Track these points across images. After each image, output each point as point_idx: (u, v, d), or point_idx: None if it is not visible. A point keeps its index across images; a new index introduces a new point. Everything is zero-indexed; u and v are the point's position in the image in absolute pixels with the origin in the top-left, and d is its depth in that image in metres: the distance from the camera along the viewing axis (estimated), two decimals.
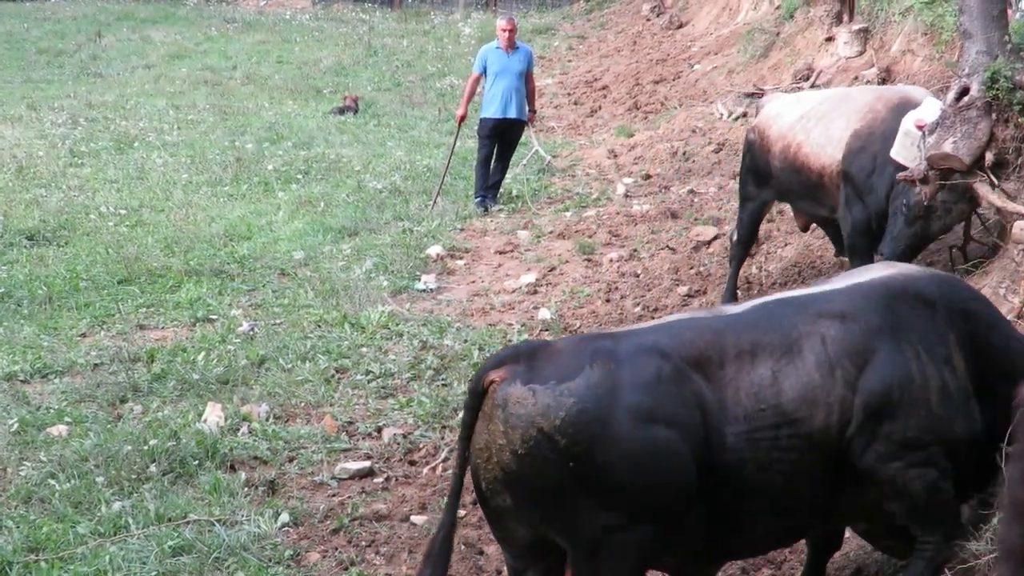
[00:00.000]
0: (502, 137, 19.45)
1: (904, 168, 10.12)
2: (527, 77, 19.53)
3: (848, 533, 7.72)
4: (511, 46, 19.43)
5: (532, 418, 6.11)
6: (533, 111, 20.18)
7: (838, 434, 6.38)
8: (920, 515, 6.60)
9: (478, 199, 19.21)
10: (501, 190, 19.61)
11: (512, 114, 19.31)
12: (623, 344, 6.39)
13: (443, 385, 11.92)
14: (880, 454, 6.43)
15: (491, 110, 19.31)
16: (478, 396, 6.37)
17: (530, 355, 6.39)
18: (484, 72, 19.39)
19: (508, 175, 19.98)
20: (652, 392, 6.16)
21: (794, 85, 21.83)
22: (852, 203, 11.23)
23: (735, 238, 13.39)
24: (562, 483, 6.15)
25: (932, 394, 6.46)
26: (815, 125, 11.94)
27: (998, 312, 7.21)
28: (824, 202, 11.86)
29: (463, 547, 8.77)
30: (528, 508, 6.41)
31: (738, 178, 13.71)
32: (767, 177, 12.62)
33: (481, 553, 8.73)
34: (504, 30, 19.25)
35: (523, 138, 20.35)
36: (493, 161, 19.41)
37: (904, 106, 11.03)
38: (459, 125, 19.93)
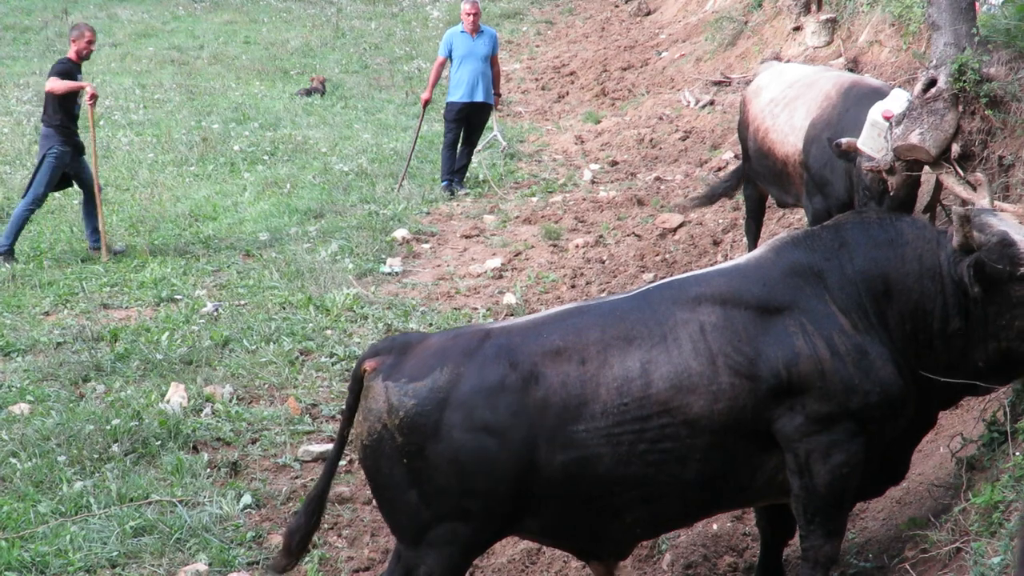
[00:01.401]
0: (468, 121, 19.46)
1: (871, 158, 10.14)
2: (492, 61, 19.50)
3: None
4: (476, 30, 19.39)
5: (380, 414, 6.41)
6: (498, 95, 20.10)
7: (729, 419, 6.36)
8: (813, 501, 6.56)
9: (444, 183, 19.19)
10: (467, 174, 19.60)
11: (479, 97, 19.30)
12: (484, 346, 6.53)
13: None
14: (785, 435, 6.45)
15: (458, 94, 19.31)
16: (357, 382, 6.66)
17: (402, 349, 6.64)
18: (450, 56, 19.37)
19: (473, 159, 19.91)
20: (488, 401, 6.32)
21: None
22: (812, 193, 11.22)
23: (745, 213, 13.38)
24: (395, 477, 6.43)
25: (825, 364, 6.41)
26: (781, 111, 11.93)
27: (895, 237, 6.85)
28: (790, 190, 11.85)
29: None
30: (373, 494, 6.80)
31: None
32: (746, 154, 12.60)
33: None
34: (468, 14, 19.21)
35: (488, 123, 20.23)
36: (459, 145, 19.40)
37: (853, 92, 11.06)
38: (424, 108, 19.89)
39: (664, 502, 6.54)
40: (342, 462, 10.07)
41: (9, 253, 15.36)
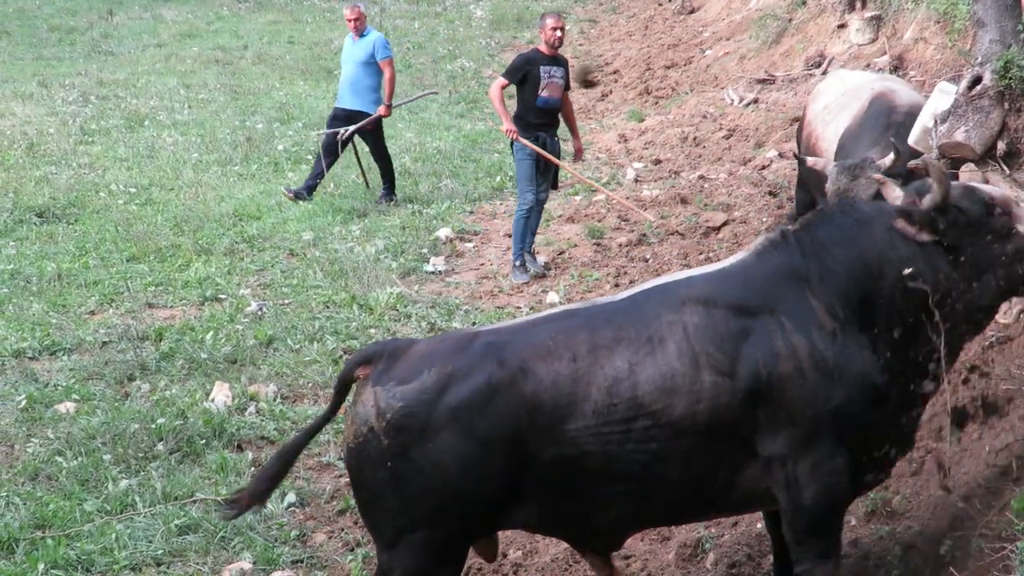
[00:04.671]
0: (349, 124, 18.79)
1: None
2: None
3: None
4: (358, 33, 19.06)
5: (367, 417, 6.38)
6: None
7: (711, 420, 6.30)
8: (802, 516, 6.50)
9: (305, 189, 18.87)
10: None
11: (346, 104, 18.93)
12: (472, 345, 6.51)
13: None
14: (770, 448, 6.40)
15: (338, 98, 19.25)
16: (343, 384, 6.75)
17: (391, 354, 6.60)
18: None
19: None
20: (474, 400, 6.29)
21: (805, 72, 21.81)
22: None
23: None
24: (379, 481, 6.40)
25: (804, 363, 6.33)
26: (832, 119, 11.89)
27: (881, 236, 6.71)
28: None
29: None
30: (355, 497, 6.79)
31: None
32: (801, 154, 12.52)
33: (504, 555, 8.69)
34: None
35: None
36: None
37: (874, 105, 11.10)
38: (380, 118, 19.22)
39: (650, 501, 6.53)
40: None
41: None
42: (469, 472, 6.27)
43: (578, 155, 15.91)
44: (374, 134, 18.88)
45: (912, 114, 10.89)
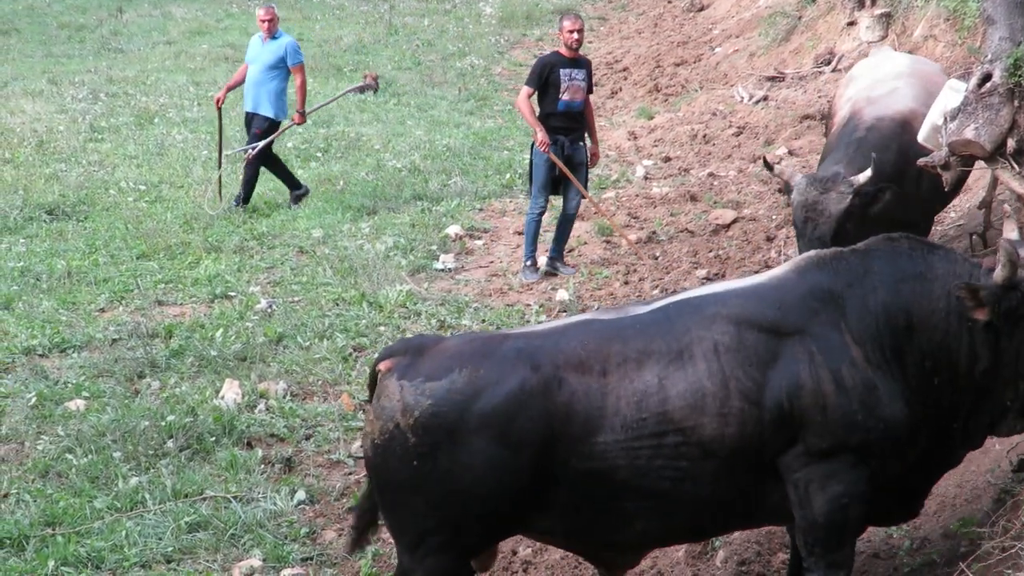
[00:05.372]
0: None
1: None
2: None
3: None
4: (270, 35, 18.38)
5: (393, 413, 6.31)
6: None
7: (738, 445, 6.28)
8: (813, 531, 6.46)
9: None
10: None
11: (248, 107, 18.41)
12: (503, 348, 6.46)
13: None
14: (785, 464, 6.37)
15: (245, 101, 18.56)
16: (372, 380, 6.65)
17: (417, 350, 6.55)
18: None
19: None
20: (508, 406, 6.23)
21: (815, 70, 21.81)
22: None
23: None
24: (404, 480, 6.34)
25: (827, 399, 6.27)
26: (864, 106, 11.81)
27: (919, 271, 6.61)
28: None
29: None
30: (377, 496, 6.69)
31: None
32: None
33: (514, 553, 8.70)
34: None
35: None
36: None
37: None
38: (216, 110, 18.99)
39: (675, 517, 6.50)
40: None
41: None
42: (498, 477, 6.23)
43: (593, 159, 15.53)
44: (265, 138, 18.21)
45: (875, 128, 10.91)
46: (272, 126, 18.27)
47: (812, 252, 6.89)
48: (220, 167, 19.03)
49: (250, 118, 18.42)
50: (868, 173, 10.21)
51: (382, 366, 6.53)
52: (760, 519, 6.86)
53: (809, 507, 6.38)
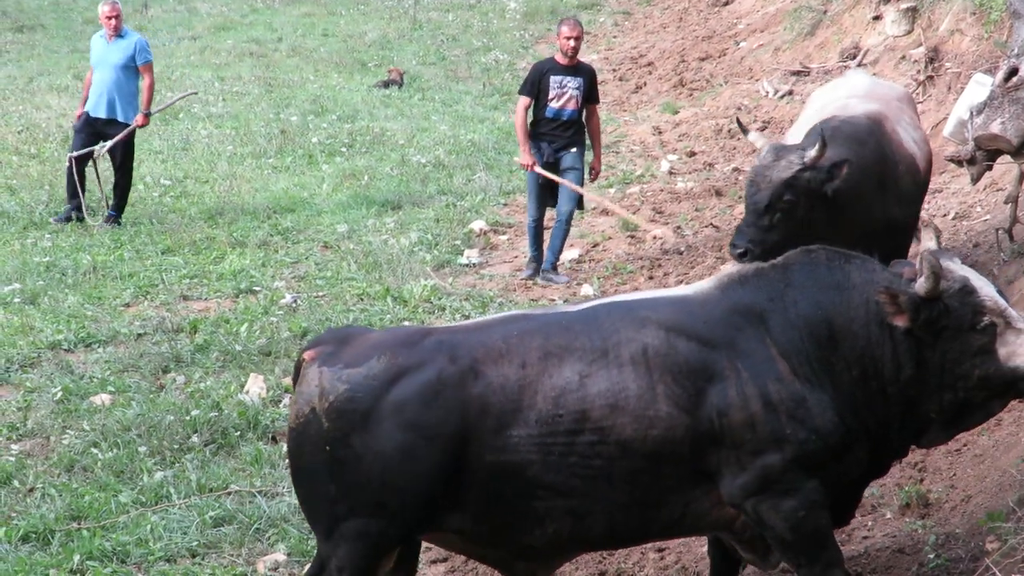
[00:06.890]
0: (102, 138, 17.37)
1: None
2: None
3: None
4: (116, 33, 17.40)
5: (310, 397, 6.35)
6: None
7: (663, 448, 6.26)
8: (789, 548, 6.44)
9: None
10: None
11: (102, 112, 17.38)
12: (425, 340, 6.50)
13: None
14: (731, 495, 6.36)
15: (88, 104, 17.51)
16: (296, 370, 6.65)
17: (342, 340, 6.61)
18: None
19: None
20: (422, 394, 6.26)
21: (841, 64, 21.72)
22: None
23: None
24: (316, 465, 6.37)
25: (756, 417, 6.27)
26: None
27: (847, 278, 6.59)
28: None
29: None
30: (293, 482, 6.78)
31: None
32: None
33: None
34: (108, 17, 16.79)
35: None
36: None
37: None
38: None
39: (590, 519, 6.45)
40: None
41: None
42: (409, 465, 6.25)
43: (594, 175, 15.26)
44: (126, 145, 17.37)
45: (849, 123, 10.46)
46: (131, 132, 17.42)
47: (733, 268, 6.96)
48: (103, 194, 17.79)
49: (100, 123, 17.37)
50: (817, 148, 9.60)
51: (307, 355, 6.57)
52: (688, 529, 6.80)
53: (772, 528, 6.38)
